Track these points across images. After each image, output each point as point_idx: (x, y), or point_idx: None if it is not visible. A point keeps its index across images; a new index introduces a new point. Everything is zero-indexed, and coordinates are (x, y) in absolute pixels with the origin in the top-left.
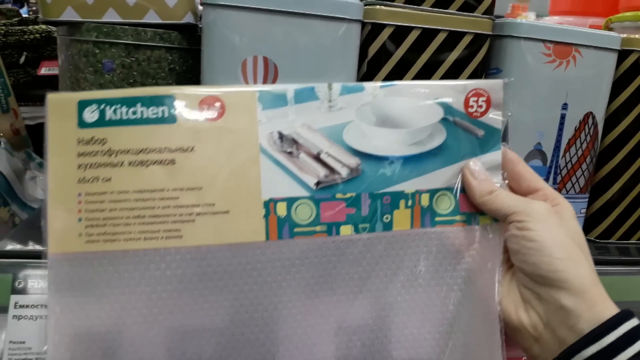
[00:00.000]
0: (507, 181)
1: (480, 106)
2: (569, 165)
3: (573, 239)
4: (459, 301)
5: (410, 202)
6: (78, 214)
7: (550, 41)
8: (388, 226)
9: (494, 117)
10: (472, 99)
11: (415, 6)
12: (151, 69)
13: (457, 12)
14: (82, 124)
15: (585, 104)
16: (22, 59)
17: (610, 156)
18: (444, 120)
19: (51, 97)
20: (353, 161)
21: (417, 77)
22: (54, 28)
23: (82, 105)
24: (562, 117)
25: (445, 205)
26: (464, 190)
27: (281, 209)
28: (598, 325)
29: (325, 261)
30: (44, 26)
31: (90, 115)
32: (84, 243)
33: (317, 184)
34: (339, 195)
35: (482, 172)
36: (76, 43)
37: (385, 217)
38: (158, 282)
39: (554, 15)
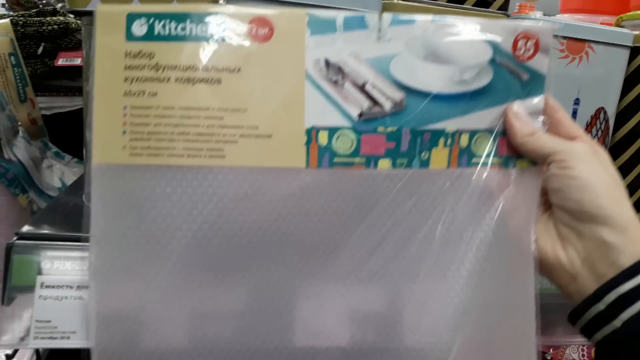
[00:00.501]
0: (547, 127)
1: (528, 49)
2: None
3: (614, 177)
4: (491, 242)
5: (449, 141)
6: (123, 127)
7: (564, 37)
8: (425, 163)
9: (541, 62)
10: (520, 41)
11: (432, 0)
12: None
13: (472, 7)
14: (130, 37)
15: (597, 99)
16: (40, 50)
17: (621, 151)
18: (491, 61)
19: (100, 9)
20: (398, 95)
21: None
22: (72, 19)
23: (131, 18)
24: (574, 112)
25: (484, 147)
26: (503, 133)
27: (323, 138)
28: (638, 260)
29: (361, 193)
30: (61, 17)
31: (139, 28)
32: (127, 155)
33: (360, 115)
34: (380, 129)
35: (524, 114)
36: None
37: (423, 154)
38: (199, 200)
39: (564, 13)
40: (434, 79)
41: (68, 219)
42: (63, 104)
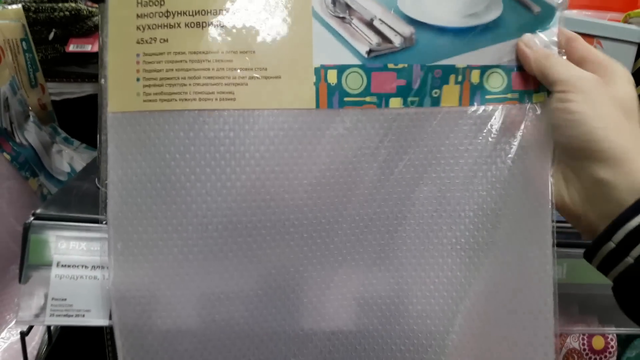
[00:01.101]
0: (564, 56)
1: None
2: None
3: (623, 104)
4: (508, 180)
5: (460, 78)
6: (137, 74)
7: (573, 32)
8: (436, 101)
9: None
10: None
11: None
12: None
13: None
14: None
15: None
16: (51, 36)
17: None
18: None
19: None
20: (407, 30)
21: None
22: (83, 6)
23: None
24: None
25: (497, 82)
26: (517, 68)
27: (332, 77)
28: None
29: (374, 133)
30: (73, 4)
31: None
32: (141, 102)
33: (369, 52)
34: (390, 66)
35: (537, 43)
36: None
37: (434, 91)
38: (211, 143)
39: (573, 9)
40: (444, 12)
41: (82, 201)
42: (72, 90)
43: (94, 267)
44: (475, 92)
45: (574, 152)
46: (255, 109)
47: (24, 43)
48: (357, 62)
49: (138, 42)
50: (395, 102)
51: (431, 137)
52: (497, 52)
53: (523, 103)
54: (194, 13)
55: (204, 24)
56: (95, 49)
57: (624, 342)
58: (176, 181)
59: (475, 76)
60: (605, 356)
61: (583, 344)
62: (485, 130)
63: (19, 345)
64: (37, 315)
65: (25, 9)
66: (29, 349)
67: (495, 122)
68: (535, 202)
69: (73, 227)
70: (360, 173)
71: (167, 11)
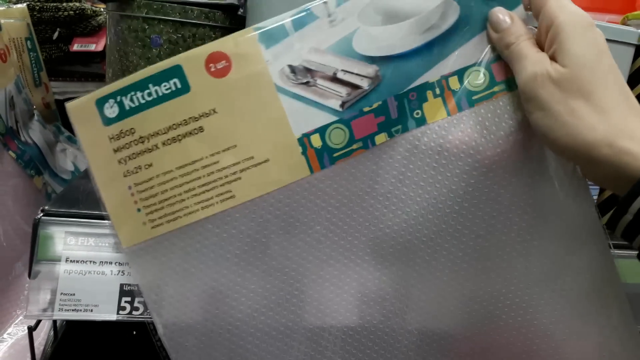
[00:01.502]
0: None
1: None
2: None
3: (582, 68)
4: (528, 167)
5: (438, 90)
6: (135, 205)
7: None
8: (421, 121)
9: None
10: None
11: None
12: (195, 45)
13: None
14: (106, 121)
15: None
16: (55, 35)
17: None
18: None
19: (70, 105)
20: (371, 70)
21: None
22: (87, 6)
23: (100, 103)
24: None
25: (479, 80)
26: (496, 58)
27: (316, 141)
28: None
29: (368, 173)
30: (77, 3)
31: (111, 110)
32: (150, 229)
33: (342, 104)
34: (366, 109)
35: (503, 21)
36: (126, 19)
37: (415, 113)
38: (229, 243)
39: None
40: (400, 40)
41: (89, 198)
42: (76, 89)
43: (102, 263)
44: (461, 98)
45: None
46: (255, 198)
47: (28, 42)
48: (334, 118)
49: (125, 175)
50: (380, 139)
51: (430, 156)
52: (467, 52)
53: (513, 90)
54: (165, 130)
55: (180, 137)
56: (99, 48)
57: None
58: (211, 290)
59: (453, 83)
60: None
61: None
62: (487, 130)
63: (25, 341)
64: (45, 310)
65: (30, 8)
66: (35, 345)
67: (492, 118)
68: (575, 189)
69: (81, 224)
70: (368, 213)
71: (141, 137)
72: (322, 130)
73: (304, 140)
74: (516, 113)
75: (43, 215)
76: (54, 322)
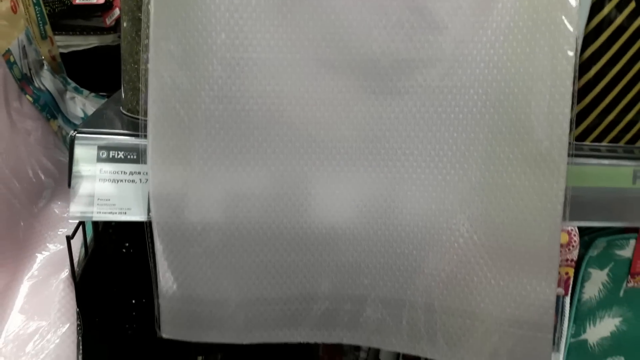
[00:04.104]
0: None
1: None
2: None
3: None
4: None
5: None
6: None
7: None
8: None
9: None
10: None
11: None
12: None
13: None
14: None
15: None
16: None
17: (587, 69)
18: None
19: None
20: None
21: None
22: None
23: None
24: None
25: None
26: None
27: None
28: None
29: None
30: None
31: None
32: None
33: None
34: None
35: None
36: None
37: None
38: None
39: None
40: None
41: (112, 122)
42: (79, 42)
43: (132, 173)
44: None
45: None
46: None
47: None
48: None
49: None
50: None
51: None
52: None
53: None
54: None
55: None
56: (101, 0)
57: (587, 243)
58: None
59: None
60: (569, 249)
61: None
62: None
63: (58, 257)
64: (84, 213)
65: None
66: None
67: None
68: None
69: (112, 139)
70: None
71: None
72: None
73: None
74: None
75: (77, 133)
76: (85, 243)
